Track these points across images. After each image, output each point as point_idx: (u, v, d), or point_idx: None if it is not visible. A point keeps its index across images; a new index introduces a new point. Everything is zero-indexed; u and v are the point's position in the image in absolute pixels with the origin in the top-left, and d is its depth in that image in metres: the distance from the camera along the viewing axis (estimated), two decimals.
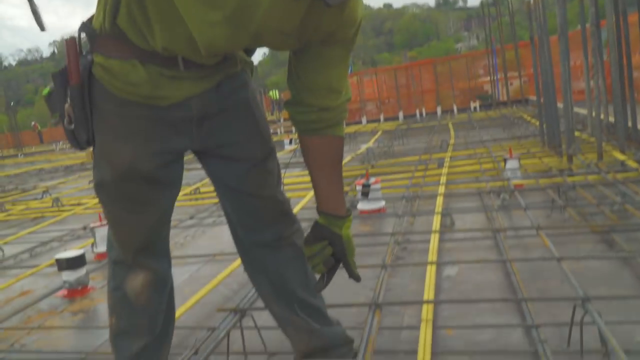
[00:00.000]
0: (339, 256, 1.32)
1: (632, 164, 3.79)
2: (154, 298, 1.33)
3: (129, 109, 1.19)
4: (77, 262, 2.69)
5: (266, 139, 1.37)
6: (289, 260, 1.44)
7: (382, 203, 3.72)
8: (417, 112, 12.91)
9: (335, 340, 1.39)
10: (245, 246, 1.45)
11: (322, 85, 1.23)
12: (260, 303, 2.11)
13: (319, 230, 1.33)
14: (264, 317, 2.15)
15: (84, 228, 4.19)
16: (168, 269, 1.39)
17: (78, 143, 1.22)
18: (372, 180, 3.71)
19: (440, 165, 4.88)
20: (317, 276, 1.38)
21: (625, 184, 3.19)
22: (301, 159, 1.40)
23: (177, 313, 2.13)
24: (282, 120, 16.16)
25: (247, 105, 1.33)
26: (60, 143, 21.65)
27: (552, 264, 2.31)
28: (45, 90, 1.24)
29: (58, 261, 2.69)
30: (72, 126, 1.18)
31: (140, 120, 1.20)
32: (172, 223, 1.38)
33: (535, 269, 2.33)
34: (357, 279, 1.35)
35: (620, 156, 4.13)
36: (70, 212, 5.05)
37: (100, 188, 1.26)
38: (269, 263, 1.44)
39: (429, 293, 2.03)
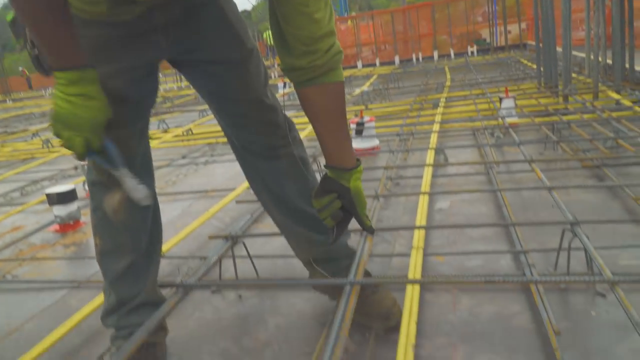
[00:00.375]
0: (349, 208, 1.29)
1: (626, 102, 3.77)
2: (133, 215, 1.32)
3: (91, 29, 1.15)
4: (68, 197, 2.69)
5: (243, 40, 1.31)
6: (287, 170, 1.43)
7: (376, 142, 3.70)
8: (414, 56, 12.71)
9: (337, 251, 1.39)
10: (240, 154, 1.44)
11: (304, 24, 1.14)
12: (252, 231, 2.13)
13: (328, 183, 1.29)
14: (257, 247, 2.19)
15: (75, 168, 4.17)
16: (148, 186, 1.37)
17: (43, 69, 1.18)
18: (366, 118, 3.68)
19: (435, 105, 4.83)
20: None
21: (619, 122, 3.18)
22: (296, 101, 1.36)
23: (169, 244, 2.16)
24: (276, 65, 15.89)
25: (216, 6, 1.27)
26: (50, 89, 21.26)
27: (543, 195, 2.33)
28: (9, 16, 1.19)
29: (48, 196, 2.69)
30: (36, 51, 1.15)
31: (104, 38, 1.17)
32: (164, 162, 1.38)
33: (526, 200, 2.35)
34: (370, 231, 1.32)
35: (615, 96, 4.10)
36: (60, 153, 5.01)
37: None
38: (265, 172, 1.43)
39: (420, 222, 2.04)
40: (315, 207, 1.29)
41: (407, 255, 1.85)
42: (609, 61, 5.00)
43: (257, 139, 1.40)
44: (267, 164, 1.43)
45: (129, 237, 1.36)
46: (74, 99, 1.07)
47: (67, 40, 1.04)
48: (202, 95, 1.40)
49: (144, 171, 1.35)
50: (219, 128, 1.49)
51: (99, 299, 1.68)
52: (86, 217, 2.86)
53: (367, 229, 1.33)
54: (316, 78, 1.21)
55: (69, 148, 1.11)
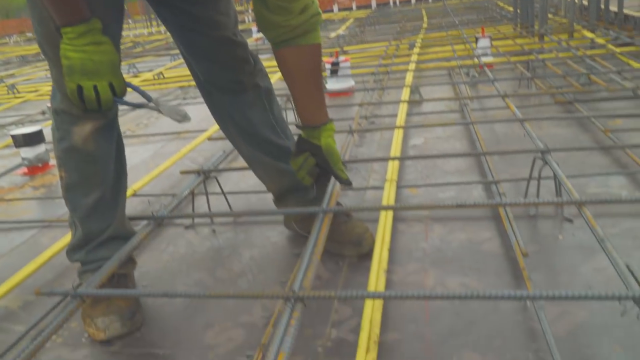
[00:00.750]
0: (323, 165, 1.33)
1: (600, 41, 3.77)
2: (102, 145, 1.29)
3: None
4: (35, 139, 2.61)
5: None
6: (253, 102, 1.43)
7: (352, 82, 3.64)
8: (391, 0, 12.46)
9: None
10: (207, 90, 1.42)
11: None
12: (225, 165, 2.11)
13: (301, 143, 1.34)
14: (231, 184, 2.17)
15: (43, 113, 4.04)
16: (115, 116, 1.33)
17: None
18: (342, 58, 3.61)
19: (412, 47, 4.76)
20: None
21: (593, 59, 3.19)
22: (269, 45, 1.34)
23: (140, 183, 2.12)
24: (250, 10, 15.41)
25: None
26: (15, 36, 20.36)
27: (515, 130, 2.35)
28: None
29: (14, 138, 2.60)
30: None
31: None
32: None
33: (499, 135, 2.36)
34: (347, 183, 1.35)
35: (590, 35, 4.09)
36: (26, 98, 4.83)
37: (41, 44, 1.21)
38: (231, 106, 1.43)
39: (394, 161, 2.04)
40: (293, 167, 1.35)
41: (381, 188, 1.85)
42: (585, 2, 4.97)
43: (224, 74, 1.40)
44: (234, 98, 1.43)
45: (98, 169, 1.32)
46: (87, 47, 1.09)
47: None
48: (172, 31, 1.37)
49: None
50: (189, 72, 1.46)
51: (70, 236, 1.66)
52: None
53: (344, 182, 1.36)
54: (292, 39, 1.24)
55: (91, 98, 1.12)
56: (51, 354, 1.24)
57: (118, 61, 1.14)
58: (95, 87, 1.11)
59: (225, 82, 1.41)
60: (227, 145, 2.44)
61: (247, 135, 1.48)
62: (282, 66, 1.30)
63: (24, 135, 2.57)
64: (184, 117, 1.25)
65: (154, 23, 12.76)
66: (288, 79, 1.31)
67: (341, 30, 7.19)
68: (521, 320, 1.16)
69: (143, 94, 1.24)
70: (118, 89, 1.15)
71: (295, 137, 1.42)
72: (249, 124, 1.46)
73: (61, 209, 2.11)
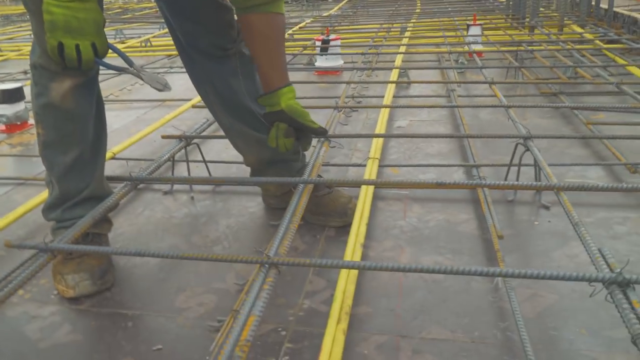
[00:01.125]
0: (293, 125, 1.32)
1: (589, 36, 3.78)
2: (81, 102, 1.25)
3: None
4: (14, 95, 2.53)
5: None
6: (235, 70, 1.40)
7: (340, 62, 3.61)
8: None
9: (287, 153, 1.39)
10: (188, 54, 1.37)
11: None
12: (208, 133, 2.07)
13: (266, 117, 1.35)
14: (212, 153, 2.14)
15: (25, 72, 3.93)
16: (95, 75, 1.29)
17: None
18: (332, 37, 3.57)
19: (403, 31, 4.72)
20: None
21: (581, 53, 3.20)
22: None
23: (120, 147, 2.08)
24: None
25: None
26: None
27: (500, 118, 2.35)
28: None
29: None
30: None
31: None
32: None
33: (484, 121, 2.37)
34: (321, 132, 1.36)
35: (579, 29, 4.10)
36: (7, 57, 4.70)
37: None
38: (213, 73, 1.38)
39: (378, 140, 2.02)
40: (270, 144, 1.35)
41: (363, 166, 1.84)
42: None
43: (208, 38, 1.36)
44: (216, 64, 1.40)
45: (76, 127, 1.28)
46: (71, 4, 1.04)
47: None
48: None
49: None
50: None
51: (45, 195, 1.61)
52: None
53: (318, 132, 1.34)
54: (260, 6, 1.24)
55: (72, 57, 1.08)
56: (18, 309, 1.22)
57: (102, 21, 1.11)
58: (77, 46, 1.07)
59: (208, 46, 1.36)
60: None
61: (227, 104, 1.44)
62: (246, 31, 1.29)
63: (3, 92, 2.50)
64: (164, 86, 1.23)
65: None
66: (252, 44, 1.31)
67: (333, 11, 7.11)
68: (492, 301, 1.17)
69: (125, 58, 1.22)
70: (100, 50, 1.11)
71: None
72: (231, 92, 1.42)
73: (37, 168, 2.06)
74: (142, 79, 1.23)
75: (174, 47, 1.43)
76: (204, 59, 1.38)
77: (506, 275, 0.92)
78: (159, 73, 3.77)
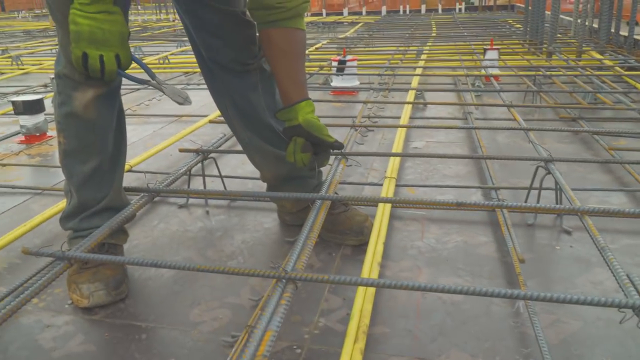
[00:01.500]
0: (311, 140, 1.30)
1: (609, 62, 3.77)
2: (103, 113, 1.26)
3: None
4: (35, 107, 2.57)
5: None
6: (256, 85, 1.40)
7: (357, 82, 3.63)
8: (401, 8, 12.47)
9: (300, 168, 1.38)
10: (208, 67, 1.38)
11: None
12: (224, 148, 2.08)
13: (285, 133, 1.33)
14: (229, 168, 2.14)
15: (45, 86, 4.00)
16: (118, 86, 1.31)
17: None
18: (349, 57, 3.59)
19: (419, 54, 4.75)
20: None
21: (600, 79, 3.18)
22: None
23: (137, 159, 2.09)
24: None
25: None
26: (23, 12, 20.27)
27: (518, 141, 2.33)
28: None
29: (14, 104, 2.56)
30: None
31: None
32: (138, 86, 1.28)
33: (502, 145, 2.35)
34: (337, 147, 1.33)
35: (598, 56, 4.09)
36: (28, 70, 4.78)
37: (50, 5, 1.19)
38: (233, 88, 1.39)
39: (394, 159, 2.01)
40: (289, 159, 1.33)
41: (380, 185, 1.83)
42: (595, 25, 4.98)
43: (229, 53, 1.36)
44: (237, 79, 1.40)
45: (97, 137, 1.29)
46: (97, 15, 1.06)
47: None
48: (180, 2, 1.33)
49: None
50: (194, 59, 1.43)
51: (63, 205, 1.62)
52: (54, 132, 2.75)
53: (335, 146, 1.32)
54: (281, 21, 1.25)
55: (96, 68, 1.10)
56: (32, 317, 1.21)
57: (127, 33, 1.12)
58: (101, 57, 1.09)
59: (230, 61, 1.37)
60: (228, 129, 2.42)
61: (247, 118, 1.44)
62: (267, 45, 1.29)
63: (24, 102, 2.53)
64: (185, 100, 1.24)
65: (163, 11, 12.74)
66: (272, 58, 1.30)
67: (349, 33, 7.18)
68: (513, 325, 1.14)
69: (148, 70, 1.22)
70: (124, 61, 1.12)
71: None
72: (250, 107, 1.42)
73: (55, 179, 2.08)
74: (163, 92, 1.23)
75: (191, 64, 1.44)
76: (225, 74, 1.38)
77: (530, 298, 0.89)
78: None
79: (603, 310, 1.15)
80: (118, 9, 1.09)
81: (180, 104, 1.24)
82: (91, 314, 1.22)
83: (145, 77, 1.25)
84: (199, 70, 1.36)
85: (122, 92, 1.38)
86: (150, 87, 1.25)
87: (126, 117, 1.41)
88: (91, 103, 1.24)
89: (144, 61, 5.08)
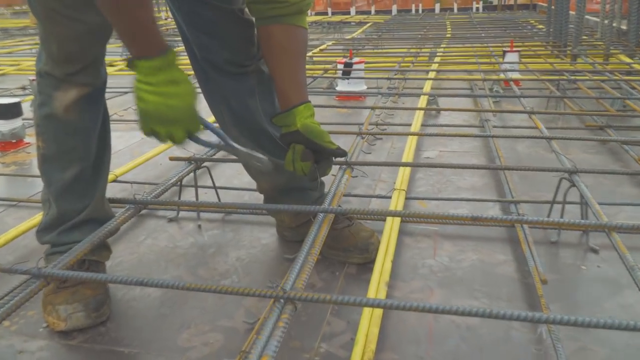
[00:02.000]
0: (310, 147, 1.30)
1: (638, 67, 3.78)
2: (85, 116, 1.27)
3: None
4: (11, 111, 2.59)
5: None
6: (253, 89, 1.40)
7: (364, 87, 3.65)
8: (413, 7, 12.55)
9: (301, 178, 1.38)
10: (202, 68, 1.38)
11: None
12: (219, 157, 2.08)
13: (282, 140, 1.33)
14: (223, 179, 2.15)
15: (23, 88, 4.03)
16: (103, 85, 1.31)
17: None
18: (355, 59, 3.62)
19: (432, 56, 4.77)
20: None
21: (630, 84, 3.19)
22: None
23: (124, 169, 2.10)
24: None
25: None
26: (1, 9, 20.51)
27: (540, 151, 2.33)
28: None
29: None
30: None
31: None
32: (125, 90, 1.31)
33: (522, 154, 2.35)
34: (340, 155, 1.32)
35: (627, 59, 4.10)
36: (5, 71, 4.82)
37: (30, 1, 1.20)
38: (229, 91, 1.39)
39: (404, 170, 2.01)
40: (287, 168, 1.33)
41: (388, 197, 1.83)
42: (624, 27, 5.01)
43: (225, 53, 1.37)
44: (233, 81, 1.40)
45: (78, 142, 1.30)
46: (163, 88, 1.04)
47: (150, 25, 1.03)
48: (174, 0, 1.34)
49: (96, 71, 1.30)
50: (186, 60, 1.43)
51: (39, 218, 1.62)
52: (32, 138, 2.77)
53: (337, 153, 1.32)
54: (283, 17, 1.26)
55: (163, 142, 1.12)
56: (2, 342, 1.21)
57: (195, 103, 1.10)
58: (169, 133, 1.09)
59: (225, 62, 1.37)
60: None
61: (243, 125, 1.44)
62: (265, 43, 1.30)
63: (0, 106, 2.55)
64: (263, 163, 1.21)
65: (155, 8, 12.89)
66: (270, 57, 1.31)
67: (356, 34, 7.23)
68: (535, 353, 1.13)
69: (219, 134, 1.20)
70: (193, 132, 1.12)
71: None
72: (247, 112, 1.42)
73: (32, 189, 2.09)
74: (237, 156, 1.23)
75: (183, 66, 1.44)
76: (220, 76, 1.39)
77: (553, 322, 0.89)
78: None
79: (632, 336, 1.14)
80: (184, 75, 1.07)
81: (258, 168, 1.22)
82: (68, 339, 1.21)
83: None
84: (191, 73, 1.36)
85: (107, 95, 1.39)
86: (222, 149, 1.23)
87: (112, 123, 1.42)
88: (73, 104, 1.25)
89: None
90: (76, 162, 1.30)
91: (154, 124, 1.07)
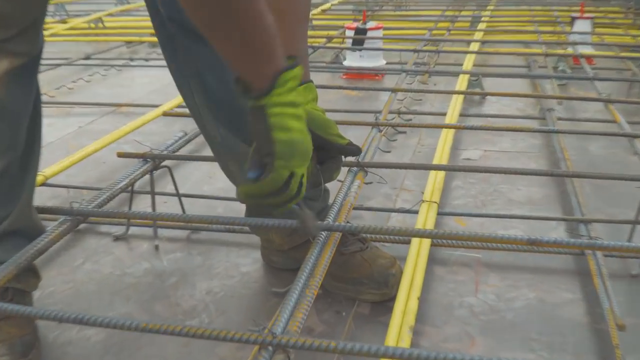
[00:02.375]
0: (316, 143, 1.28)
1: None
2: (15, 93, 1.29)
3: None
4: None
5: None
6: None
7: (383, 61, 3.68)
8: None
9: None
10: (168, 33, 1.40)
11: None
12: (184, 153, 2.10)
13: None
14: (189, 184, 2.16)
15: None
16: (38, 57, 1.34)
17: None
18: (371, 24, 3.64)
19: (475, 21, 4.81)
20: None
21: None
22: None
23: (56, 168, 2.12)
24: None
25: None
26: None
27: (620, 153, 2.35)
28: None
29: None
30: None
31: None
32: (58, 62, 1.33)
33: (596, 157, 2.37)
34: (353, 152, 1.35)
35: None
36: None
37: None
38: (203, 61, 1.40)
39: (436, 175, 2.03)
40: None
41: (415, 213, 1.85)
42: None
43: None
44: (206, 48, 1.39)
45: (5, 127, 1.32)
46: (300, 111, 1.11)
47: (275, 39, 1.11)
48: None
49: (33, 38, 1.33)
50: (142, 23, 1.45)
51: None
52: None
53: (348, 151, 1.33)
54: None
55: (294, 190, 1.12)
56: None
57: None
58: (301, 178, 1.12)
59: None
60: (190, 125, 2.45)
61: (219, 107, 1.45)
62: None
63: None
64: (314, 229, 1.27)
65: None
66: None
67: None
68: None
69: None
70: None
71: None
72: (225, 90, 1.42)
73: None
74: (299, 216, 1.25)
75: (137, 30, 1.46)
76: (191, 42, 1.40)
77: None
78: (111, 66, 3.90)
79: None
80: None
81: (308, 229, 1.26)
82: None
83: None
84: (147, 39, 1.38)
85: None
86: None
87: (42, 105, 1.44)
88: (2, 78, 1.27)
89: (68, 25, 5.15)
90: (2, 153, 1.32)
91: (298, 162, 1.10)
